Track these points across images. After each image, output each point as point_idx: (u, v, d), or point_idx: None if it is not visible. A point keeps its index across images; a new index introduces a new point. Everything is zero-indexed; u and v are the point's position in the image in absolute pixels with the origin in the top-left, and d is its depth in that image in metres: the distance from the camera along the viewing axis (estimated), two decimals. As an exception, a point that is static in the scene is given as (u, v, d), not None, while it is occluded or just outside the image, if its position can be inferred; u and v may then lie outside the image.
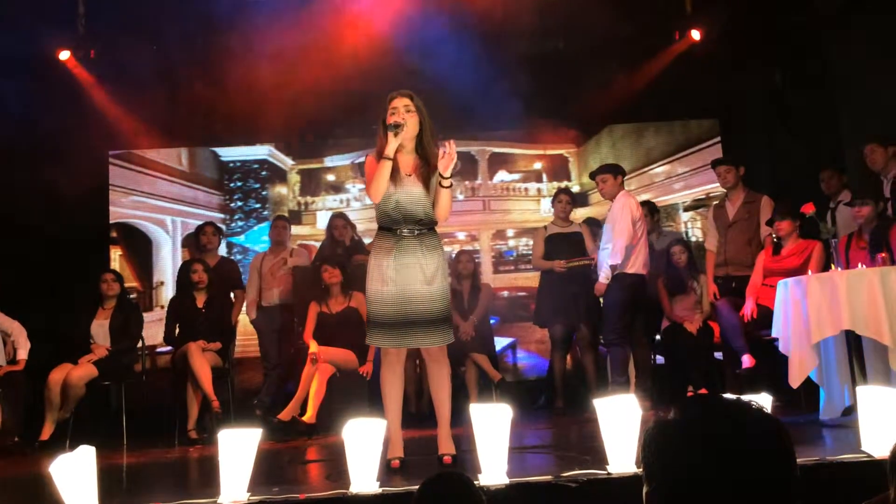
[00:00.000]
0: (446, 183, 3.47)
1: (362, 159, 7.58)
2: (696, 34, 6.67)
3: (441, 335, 3.54)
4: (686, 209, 7.61)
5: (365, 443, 2.92)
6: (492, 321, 6.41)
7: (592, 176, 5.63)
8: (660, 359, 5.89)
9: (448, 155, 3.41)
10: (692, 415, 1.16)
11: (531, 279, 6.84)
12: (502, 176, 7.77)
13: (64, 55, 6.44)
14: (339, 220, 6.26)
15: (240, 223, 7.58)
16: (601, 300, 5.39)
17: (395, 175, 3.50)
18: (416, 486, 2.94)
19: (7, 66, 5.96)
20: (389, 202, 3.53)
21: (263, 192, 7.64)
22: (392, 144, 3.43)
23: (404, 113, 3.51)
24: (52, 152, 6.55)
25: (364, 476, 2.90)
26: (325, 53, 6.57)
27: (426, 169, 3.54)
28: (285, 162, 7.70)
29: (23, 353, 5.26)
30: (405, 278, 3.48)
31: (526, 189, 7.78)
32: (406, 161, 3.58)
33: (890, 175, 5.16)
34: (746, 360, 4.93)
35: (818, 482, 2.81)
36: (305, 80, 6.61)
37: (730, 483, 1.08)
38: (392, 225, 3.55)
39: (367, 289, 3.58)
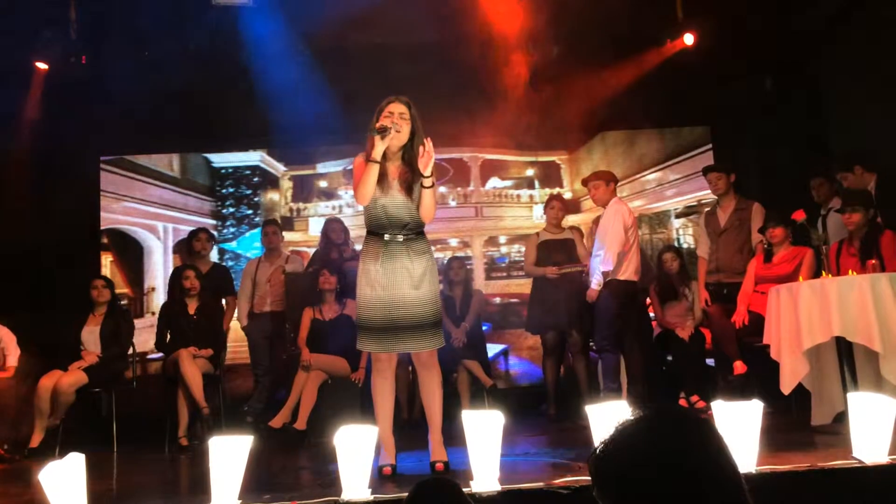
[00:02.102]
0: (427, 183, 3.48)
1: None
2: (689, 38, 6.69)
3: (430, 339, 3.54)
4: (678, 216, 7.63)
5: (356, 450, 2.92)
6: (484, 327, 6.40)
7: (584, 182, 5.65)
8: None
9: (427, 153, 3.43)
10: (624, 441, 1.16)
11: (523, 286, 6.84)
12: (494, 182, 7.77)
13: (42, 66, 6.40)
14: (337, 224, 6.26)
15: (231, 229, 7.56)
16: (593, 306, 5.39)
17: (382, 180, 3.51)
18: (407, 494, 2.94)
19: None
20: (376, 207, 3.54)
21: (255, 198, 7.62)
22: (378, 148, 3.44)
23: (398, 119, 3.52)
24: (43, 158, 6.52)
25: (356, 483, 2.90)
26: (318, 58, 6.58)
27: (411, 175, 3.56)
28: (277, 168, 7.69)
29: (12, 360, 5.23)
30: (393, 283, 3.49)
31: (518, 195, 7.79)
32: (393, 167, 3.59)
33: (870, 185, 5.20)
34: (738, 367, 4.94)
35: (809, 488, 2.82)
36: (298, 85, 6.62)
37: (676, 497, 1.08)
38: (379, 230, 3.57)
39: (356, 293, 3.58)
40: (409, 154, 3.59)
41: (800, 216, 4.74)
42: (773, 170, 6.79)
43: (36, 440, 5.02)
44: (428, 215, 3.56)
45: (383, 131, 3.43)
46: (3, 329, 5.32)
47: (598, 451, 1.17)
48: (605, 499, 1.14)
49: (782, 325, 4.14)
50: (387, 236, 3.55)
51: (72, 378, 5.16)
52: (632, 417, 1.18)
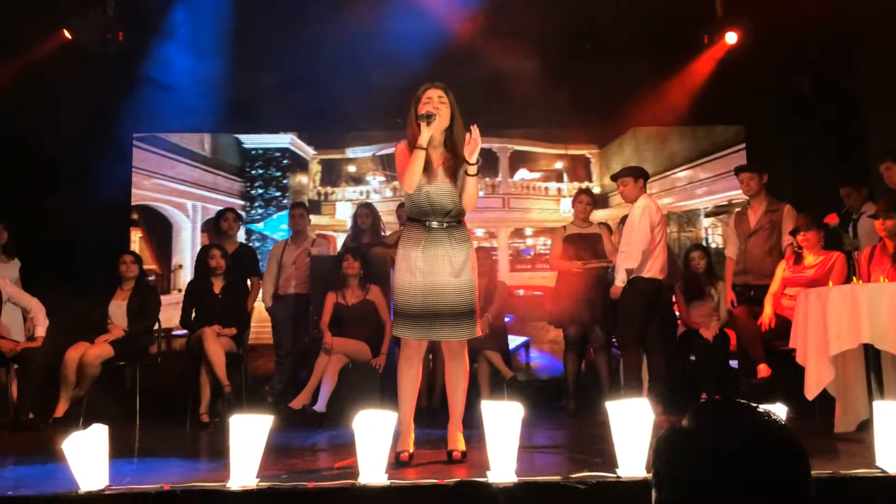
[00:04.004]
0: (472, 170, 3.47)
1: (383, 152, 7.62)
2: (732, 37, 6.59)
3: (467, 328, 3.54)
4: (707, 215, 7.56)
5: (375, 435, 2.93)
6: (506, 319, 6.39)
7: (614, 178, 5.60)
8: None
9: (473, 140, 3.41)
10: (705, 423, 1.15)
11: (547, 279, 6.82)
12: (523, 174, 7.74)
13: (67, 35, 6.43)
14: (363, 209, 6.28)
15: (259, 210, 7.62)
16: (617, 303, 5.36)
17: (427, 168, 3.51)
18: (424, 481, 2.96)
19: (36, 50, 6.03)
20: (420, 194, 3.53)
21: (284, 181, 7.67)
22: (424, 134, 3.43)
23: (438, 104, 3.51)
24: (76, 133, 6.60)
25: (373, 468, 2.91)
26: (350, 44, 6.59)
27: (455, 162, 3.55)
28: (307, 151, 7.72)
29: (41, 331, 5.30)
30: (433, 270, 3.49)
31: (546, 188, 7.76)
32: (436, 154, 3.58)
33: None
34: (762, 370, 4.89)
35: (831, 496, 2.78)
36: (330, 71, 6.63)
37: (741, 494, 1.07)
38: (422, 216, 3.56)
39: (395, 280, 3.59)
40: (450, 141, 3.58)
41: (832, 220, 4.68)
42: (808, 172, 6.70)
43: (61, 410, 5.11)
44: (470, 203, 3.55)
45: (429, 117, 3.43)
46: (34, 300, 5.40)
47: (682, 438, 1.15)
48: (663, 488, 1.12)
49: (810, 330, 4.08)
50: (429, 223, 3.55)
51: (98, 351, 5.24)
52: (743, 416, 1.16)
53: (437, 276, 3.49)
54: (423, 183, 3.52)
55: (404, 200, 3.66)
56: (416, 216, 3.59)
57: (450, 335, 3.53)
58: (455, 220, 3.59)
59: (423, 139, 3.44)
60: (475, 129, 3.41)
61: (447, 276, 3.49)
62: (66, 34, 6.39)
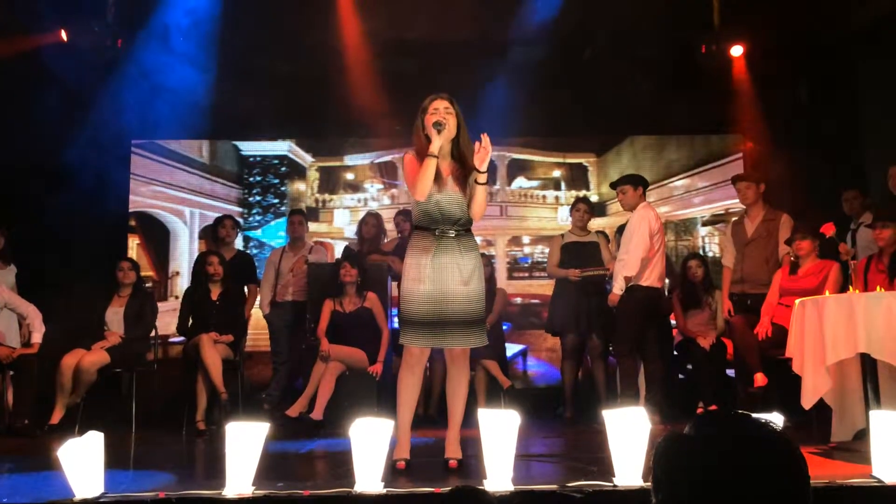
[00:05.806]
0: (482, 179, 3.49)
1: (382, 159, 7.63)
2: (737, 50, 6.62)
3: (476, 336, 3.56)
4: (704, 224, 7.57)
5: (371, 442, 2.92)
6: (504, 327, 6.39)
7: (613, 186, 5.61)
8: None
9: (483, 149, 3.43)
10: (706, 431, 1.15)
11: (545, 287, 6.82)
12: (521, 182, 7.75)
13: (63, 36, 6.43)
14: (371, 218, 6.31)
15: (257, 217, 7.62)
16: (614, 311, 5.36)
17: (436, 176, 3.52)
18: (421, 489, 2.95)
19: (33, 55, 6.04)
20: (430, 202, 3.55)
21: (282, 188, 7.67)
22: (436, 142, 3.45)
23: (445, 114, 3.53)
24: (74, 139, 6.60)
25: (369, 475, 2.90)
26: (347, 53, 6.61)
27: (463, 171, 3.58)
28: (305, 158, 7.73)
29: (37, 337, 5.30)
30: (442, 278, 3.49)
31: (544, 196, 7.76)
32: (444, 163, 3.60)
33: None
34: (759, 379, 4.89)
35: (827, 505, 2.78)
36: (328, 78, 6.65)
37: (739, 499, 1.07)
38: (431, 225, 3.57)
39: (402, 287, 3.58)
40: (458, 150, 3.61)
41: (829, 230, 4.68)
42: (805, 181, 6.71)
43: (56, 417, 5.09)
44: (479, 212, 3.58)
45: (439, 125, 3.45)
46: (30, 306, 5.39)
47: (683, 445, 1.15)
48: (660, 493, 1.13)
49: (806, 339, 4.08)
50: (438, 232, 3.55)
51: (94, 357, 5.23)
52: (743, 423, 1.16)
53: (445, 283, 3.49)
54: (433, 191, 3.53)
55: (412, 209, 3.67)
56: (424, 224, 3.60)
57: (459, 343, 3.53)
58: (463, 228, 3.61)
59: (435, 147, 3.46)
60: (485, 138, 3.43)
61: (456, 284, 3.50)
62: (63, 36, 6.38)
